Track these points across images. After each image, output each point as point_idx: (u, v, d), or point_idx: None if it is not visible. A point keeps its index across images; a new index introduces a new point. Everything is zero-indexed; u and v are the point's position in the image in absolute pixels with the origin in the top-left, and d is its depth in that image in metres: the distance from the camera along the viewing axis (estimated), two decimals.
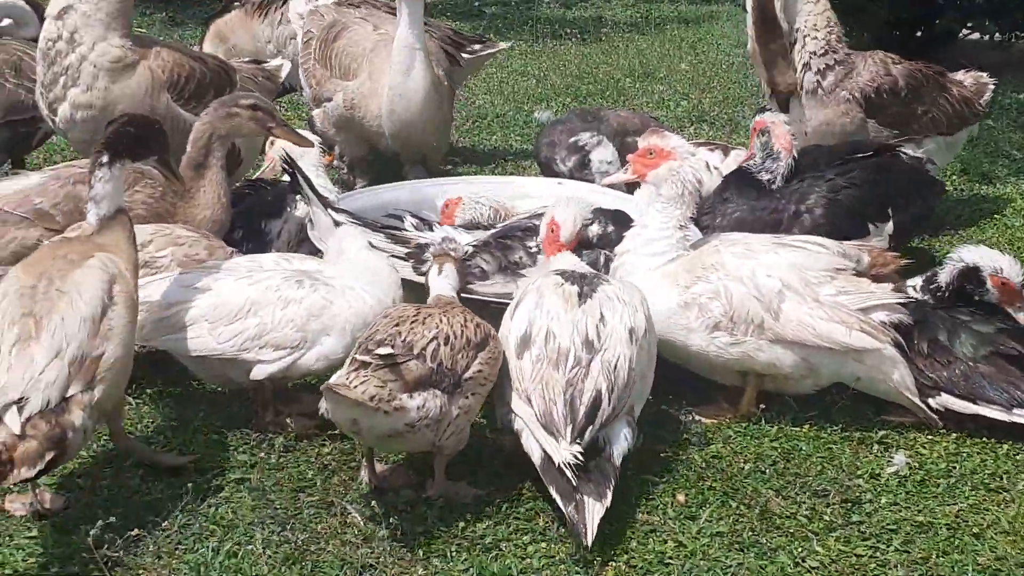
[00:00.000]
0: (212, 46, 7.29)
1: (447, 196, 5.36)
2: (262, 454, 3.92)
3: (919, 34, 9.02)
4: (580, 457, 3.41)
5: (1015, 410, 3.97)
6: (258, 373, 3.92)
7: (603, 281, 3.86)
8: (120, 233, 3.73)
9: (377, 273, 4.15)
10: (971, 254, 4.38)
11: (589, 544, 3.35)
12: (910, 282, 4.43)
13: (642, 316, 3.75)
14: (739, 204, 4.90)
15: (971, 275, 4.34)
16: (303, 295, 3.95)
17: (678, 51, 9.41)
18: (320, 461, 3.89)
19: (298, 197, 4.76)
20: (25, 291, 3.49)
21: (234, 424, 4.09)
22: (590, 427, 3.49)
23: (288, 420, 4.07)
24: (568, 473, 3.40)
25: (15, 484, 3.41)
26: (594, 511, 3.38)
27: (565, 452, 3.43)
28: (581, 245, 4.52)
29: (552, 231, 4.18)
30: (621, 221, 4.81)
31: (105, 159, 3.69)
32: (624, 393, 3.59)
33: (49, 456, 3.28)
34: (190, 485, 3.71)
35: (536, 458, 3.54)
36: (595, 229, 4.68)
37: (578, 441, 3.45)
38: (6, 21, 6.12)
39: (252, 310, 3.92)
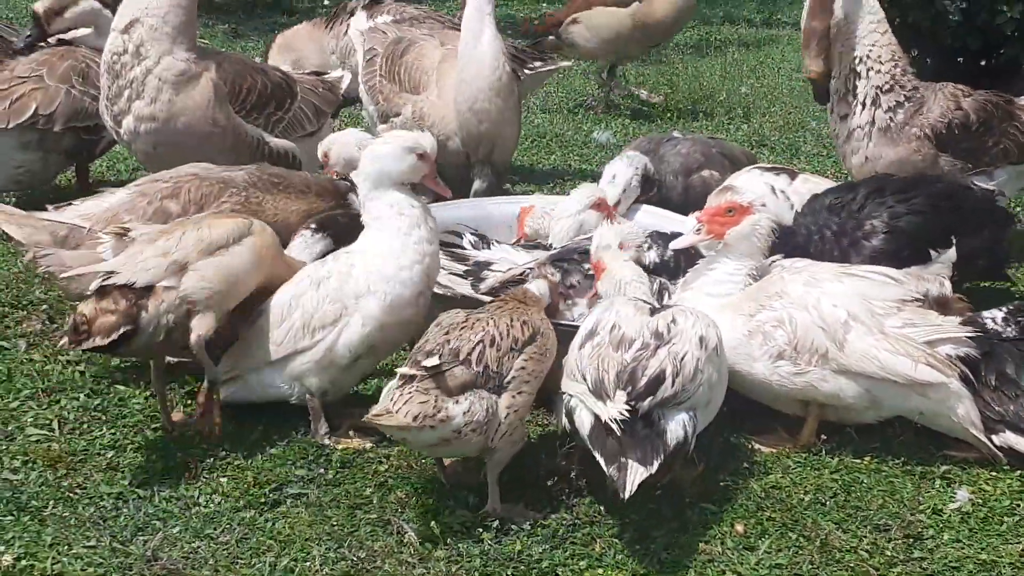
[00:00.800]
0: (279, 58, 7.34)
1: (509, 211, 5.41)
2: (320, 469, 3.93)
3: (984, 63, 8.91)
4: (625, 414, 3.44)
5: None
6: (314, 357, 4.02)
7: (677, 306, 3.90)
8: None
9: (392, 224, 4.07)
10: None
11: (626, 497, 3.37)
12: (987, 314, 4.33)
13: (714, 333, 3.76)
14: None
15: None
16: (329, 269, 4.06)
17: (738, 74, 9.38)
18: (377, 478, 3.89)
19: None
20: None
21: (292, 439, 4.10)
22: (649, 397, 3.51)
23: (351, 434, 4.10)
24: (614, 427, 3.43)
25: (90, 351, 3.87)
26: (636, 472, 3.40)
27: (613, 409, 3.47)
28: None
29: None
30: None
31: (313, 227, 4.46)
32: (690, 386, 3.59)
33: (123, 330, 3.78)
34: (249, 499, 3.73)
35: (586, 429, 3.56)
36: (652, 255, 4.63)
37: (633, 405, 3.48)
38: (84, 31, 6.17)
39: (292, 304, 4.04)
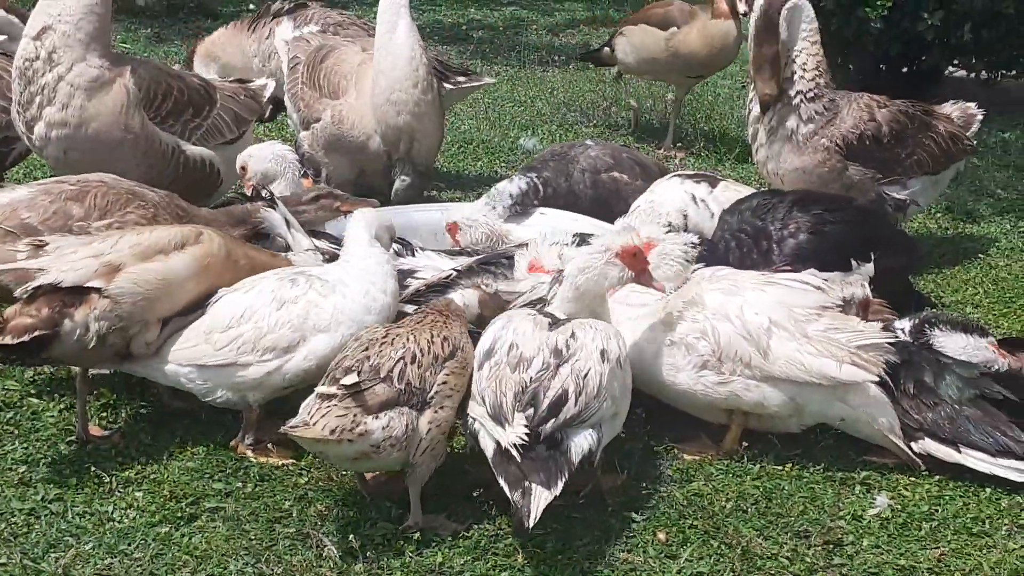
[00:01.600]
0: (202, 66, 7.24)
1: (433, 221, 5.41)
2: (238, 483, 3.87)
3: (906, 70, 9.04)
4: (524, 439, 3.41)
5: (999, 458, 3.93)
6: (255, 373, 3.92)
7: (575, 319, 3.80)
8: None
9: (373, 270, 4.11)
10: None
11: (530, 526, 3.34)
12: (896, 324, 4.40)
13: (616, 345, 3.71)
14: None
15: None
16: (298, 294, 3.97)
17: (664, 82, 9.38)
18: (297, 491, 3.84)
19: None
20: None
21: (210, 451, 4.04)
22: (552, 419, 3.48)
23: (270, 447, 4.04)
24: (514, 453, 3.40)
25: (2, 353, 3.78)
26: (540, 496, 3.37)
27: (511, 434, 3.44)
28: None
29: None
30: None
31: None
32: (593, 403, 3.55)
33: (36, 333, 3.72)
34: (165, 513, 3.66)
35: (489, 452, 3.54)
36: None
37: (537, 430, 3.44)
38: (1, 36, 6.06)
39: (246, 314, 3.94)
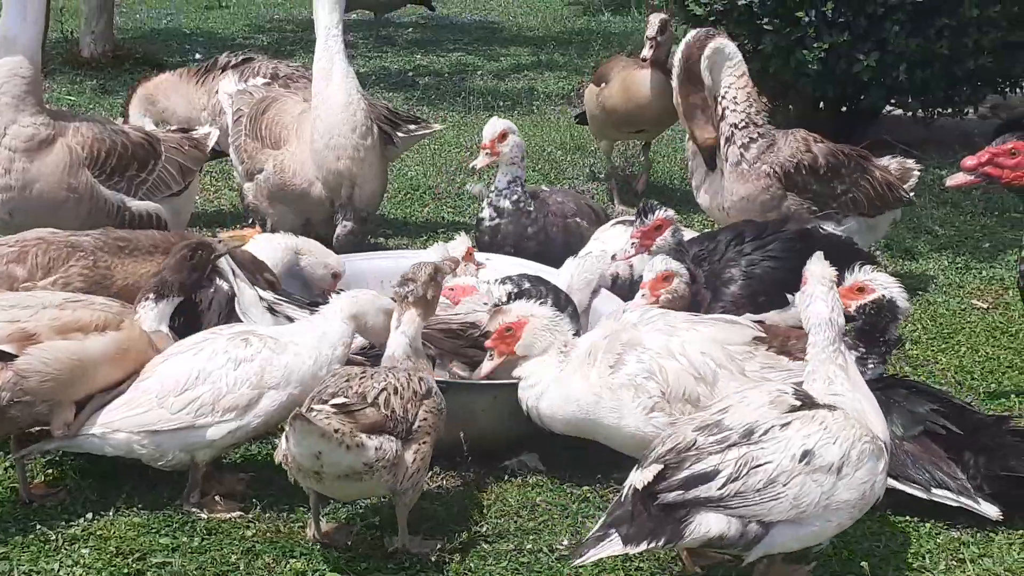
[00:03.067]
0: (139, 109, 7.20)
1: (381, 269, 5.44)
2: (184, 537, 3.87)
3: (844, 109, 9.21)
4: (641, 487, 3.37)
5: (934, 490, 4.01)
6: (215, 434, 3.90)
7: (828, 407, 3.57)
8: (159, 341, 4.10)
9: (331, 339, 4.14)
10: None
11: (575, 563, 3.45)
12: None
13: (836, 452, 3.45)
14: None
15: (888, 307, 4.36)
16: (253, 353, 3.98)
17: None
18: (244, 544, 3.85)
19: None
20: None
21: (156, 505, 4.04)
22: (679, 491, 3.38)
23: (217, 500, 4.04)
24: (625, 493, 3.41)
25: None
26: (609, 545, 3.35)
27: (636, 476, 3.42)
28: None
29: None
30: (542, 281, 4.90)
31: (151, 297, 4.17)
32: (751, 496, 3.38)
33: None
34: (112, 570, 3.65)
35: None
36: (507, 288, 4.74)
37: (657, 490, 3.38)
38: None
39: (199, 376, 3.92)
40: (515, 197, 5.78)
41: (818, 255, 3.83)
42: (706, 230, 5.75)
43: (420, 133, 6.99)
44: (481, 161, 5.91)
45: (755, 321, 4.38)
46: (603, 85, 7.39)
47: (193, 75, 7.29)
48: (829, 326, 3.64)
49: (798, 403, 3.57)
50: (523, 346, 4.18)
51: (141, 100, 7.26)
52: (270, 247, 5.04)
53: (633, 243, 4.97)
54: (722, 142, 5.73)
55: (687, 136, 5.94)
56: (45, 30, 5.18)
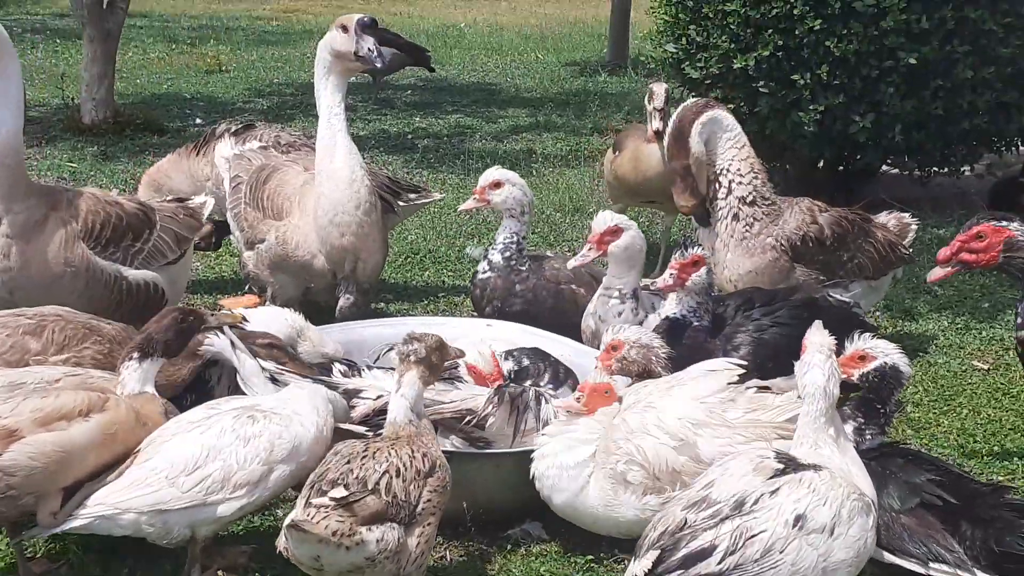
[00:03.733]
0: (148, 195, 7.25)
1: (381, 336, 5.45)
2: None
3: (841, 169, 9.27)
4: (645, 572, 3.38)
5: (931, 564, 3.99)
6: (225, 511, 3.91)
7: (813, 467, 3.61)
8: (145, 403, 4.08)
9: (313, 399, 4.22)
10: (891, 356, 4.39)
11: None
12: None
13: (827, 513, 3.49)
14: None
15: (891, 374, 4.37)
16: (260, 429, 4.00)
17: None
18: None
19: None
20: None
21: None
22: (679, 571, 3.40)
23: (220, 573, 4.03)
24: None
25: None
26: None
27: (635, 568, 3.42)
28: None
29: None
30: (542, 356, 5.00)
31: (135, 356, 4.12)
32: (750, 567, 3.41)
33: None
34: None
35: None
36: (508, 365, 4.85)
37: (659, 574, 3.40)
38: None
39: (210, 455, 3.92)
40: (508, 253, 5.82)
41: (817, 324, 3.85)
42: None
43: (421, 202, 7.04)
44: (467, 204, 5.99)
45: (760, 387, 4.37)
46: (616, 153, 7.39)
47: (192, 150, 7.25)
48: (823, 396, 3.66)
49: (781, 466, 3.58)
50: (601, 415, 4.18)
51: (146, 188, 7.26)
52: (276, 319, 5.05)
53: (672, 274, 4.98)
54: (727, 216, 5.71)
55: None
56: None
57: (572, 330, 5.51)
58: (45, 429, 3.82)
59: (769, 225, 5.69)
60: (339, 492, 3.55)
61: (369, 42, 5.77)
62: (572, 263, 5.48)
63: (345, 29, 5.82)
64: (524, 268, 5.82)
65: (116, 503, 3.85)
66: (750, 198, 5.69)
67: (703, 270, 5.00)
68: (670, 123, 5.87)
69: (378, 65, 5.84)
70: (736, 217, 5.69)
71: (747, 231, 5.69)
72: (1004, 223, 4.64)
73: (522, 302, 5.77)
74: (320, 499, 3.56)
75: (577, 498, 4.11)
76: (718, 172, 5.71)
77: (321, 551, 3.53)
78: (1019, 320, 4.69)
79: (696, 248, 5.07)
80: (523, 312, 5.72)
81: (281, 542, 3.60)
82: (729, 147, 5.70)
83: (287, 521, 3.52)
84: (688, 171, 5.69)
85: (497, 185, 5.87)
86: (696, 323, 5.02)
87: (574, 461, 4.12)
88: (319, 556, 3.55)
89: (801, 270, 5.71)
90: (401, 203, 6.69)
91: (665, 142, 5.91)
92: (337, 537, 3.49)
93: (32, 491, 3.80)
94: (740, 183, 5.68)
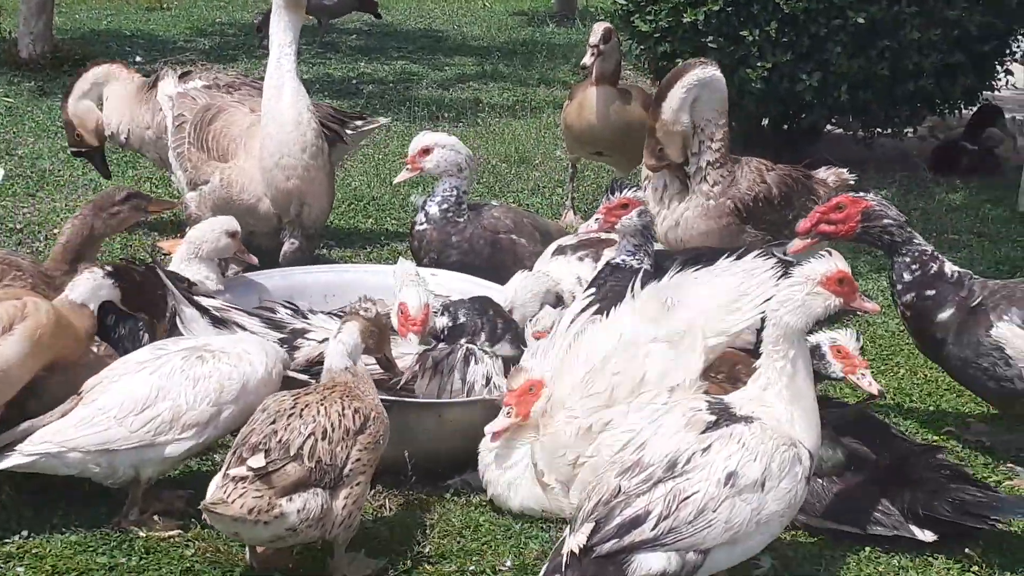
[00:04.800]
0: (87, 86, 6.86)
1: (323, 282, 5.44)
2: (122, 556, 3.81)
3: (786, 127, 9.29)
4: (576, 551, 3.35)
5: (869, 528, 4.04)
6: (173, 451, 3.88)
7: (745, 419, 3.57)
8: (72, 312, 4.10)
9: (263, 341, 4.27)
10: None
11: None
12: None
13: (758, 468, 3.46)
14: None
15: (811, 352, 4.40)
16: (210, 369, 3.97)
17: (553, 138, 9.52)
18: (183, 563, 3.80)
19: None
20: None
21: (94, 523, 3.97)
22: (614, 540, 3.37)
23: (156, 518, 3.98)
24: (563, 559, 3.36)
25: None
26: None
27: (571, 542, 3.39)
28: (432, 337, 4.59)
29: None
30: (480, 310, 4.88)
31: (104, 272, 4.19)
32: (684, 528, 3.38)
33: None
34: None
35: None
36: (443, 321, 4.76)
37: (592, 547, 3.36)
38: None
39: (159, 395, 3.89)
40: (445, 206, 5.77)
41: (826, 254, 3.77)
42: None
43: (367, 128, 6.98)
44: (401, 176, 5.94)
45: None
46: (568, 102, 7.34)
47: (145, 91, 6.96)
48: (776, 326, 3.62)
49: (713, 418, 3.57)
50: (537, 412, 4.12)
51: (93, 80, 6.93)
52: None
53: (597, 219, 4.84)
54: (696, 177, 5.65)
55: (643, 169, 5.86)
56: None
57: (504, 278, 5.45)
58: None
59: (726, 188, 5.67)
60: (258, 461, 3.48)
61: None
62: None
63: None
64: (462, 219, 5.77)
65: (62, 441, 3.80)
66: (717, 163, 5.65)
67: (633, 213, 4.79)
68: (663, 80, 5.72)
69: None
70: (703, 179, 5.65)
71: (709, 193, 5.66)
72: (861, 194, 4.70)
73: (458, 253, 5.72)
74: (238, 469, 3.49)
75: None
76: (697, 128, 5.61)
77: (239, 528, 3.49)
78: (898, 287, 4.73)
79: (628, 191, 4.91)
80: (459, 263, 5.68)
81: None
82: (712, 108, 5.60)
83: (204, 502, 3.48)
84: (652, 132, 5.58)
85: (426, 151, 5.78)
86: (637, 266, 4.97)
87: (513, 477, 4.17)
88: (237, 533, 3.55)
89: (750, 230, 5.71)
90: (349, 131, 6.63)
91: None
92: (254, 515, 3.43)
93: None
94: (710, 147, 5.63)
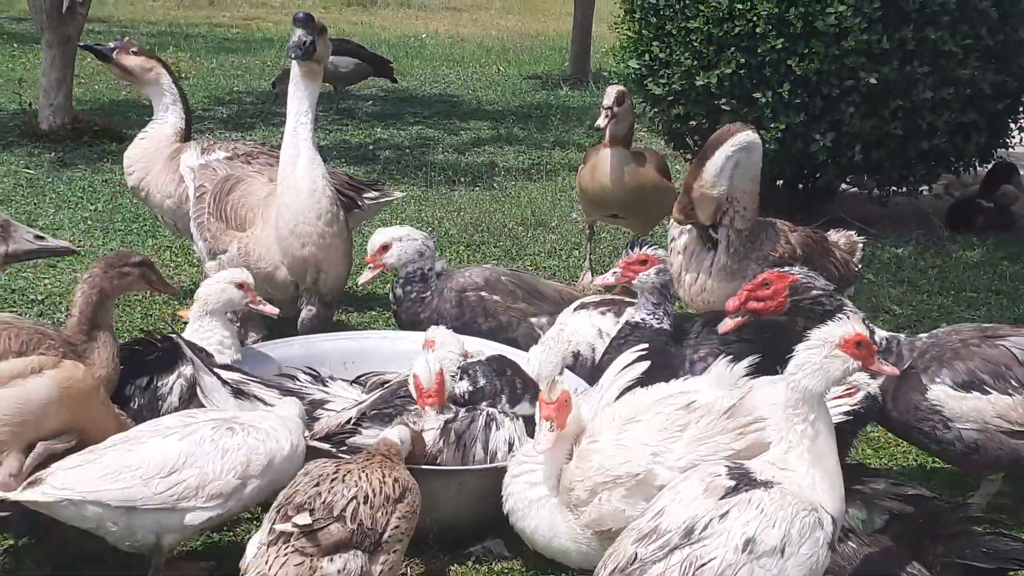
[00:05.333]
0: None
1: (342, 349, 5.48)
2: None
3: (800, 187, 9.33)
4: None
5: None
6: (194, 519, 3.88)
7: (765, 484, 3.55)
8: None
9: (286, 416, 4.28)
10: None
11: None
12: None
13: (776, 534, 3.43)
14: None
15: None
16: (240, 442, 3.99)
17: (569, 200, 9.59)
18: None
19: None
20: None
21: None
22: None
23: None
24: None
25: None
26: None
27: None
28: (452, 402, 4.59)
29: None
30: (499, 371, 4.84)
31: None
32: None
33: None
34: None
35: None
36: (464, 386, 4.73)
37: None
38: None
39: (186, 461, 3.90)
40: (408, 287, 5.81)
41: (846, 316, 3.80)
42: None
43: (383, 201, 7.03)
44: (365, 276, 5.99)
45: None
46: (582, 165, 7.36)
47: (171, 159, 6.91)
48: (794, 389, 3.59)
49: (732, 483, 3.54)
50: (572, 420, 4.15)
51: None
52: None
53: (615, 272, 4.89)
54: (723, 242, 5.59)
55: (672, 225, 5.81)
56: None
57: (483, 335, 5.52)
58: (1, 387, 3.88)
59: (750, 251, 5.60)
60: (303, 519, 3.53)
61: (296, 34, 5.74)
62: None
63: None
64: (428, 294, 5.79)
65: (84, 491, 3.79)
66: (745, 232, 5.59)
67: (652, 270, 4.89)
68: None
69: (291, 55, 5.77)
70: (728, 247, 5.59)
71: (733, 257, 5.61)
72: (787, 269, 4.70)
73: (428, 322, 5.62)
74: (283, 525, 3.54)
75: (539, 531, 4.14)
76: (730, 198, 5.52)
77: None
78: None
79: (647, 248, 4.96)
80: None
81: (246, 558, 3.59)
82: (747, 178, 5.51)
83: (245, 562, 3.49)
84: (688, 191, 5.45)
85: (385, 248, 5.81)
86: (657, 325, 4.98)
87: (537, 496, 4.16)
88: None
89: None
90: (367, 199, 6.69)
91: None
92: (298, 570, 3.48)
93: None
94: (743, 216, 5.52)
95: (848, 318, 3.82)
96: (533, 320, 5.74)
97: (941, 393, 4.54)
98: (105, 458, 3.89)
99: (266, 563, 3.49)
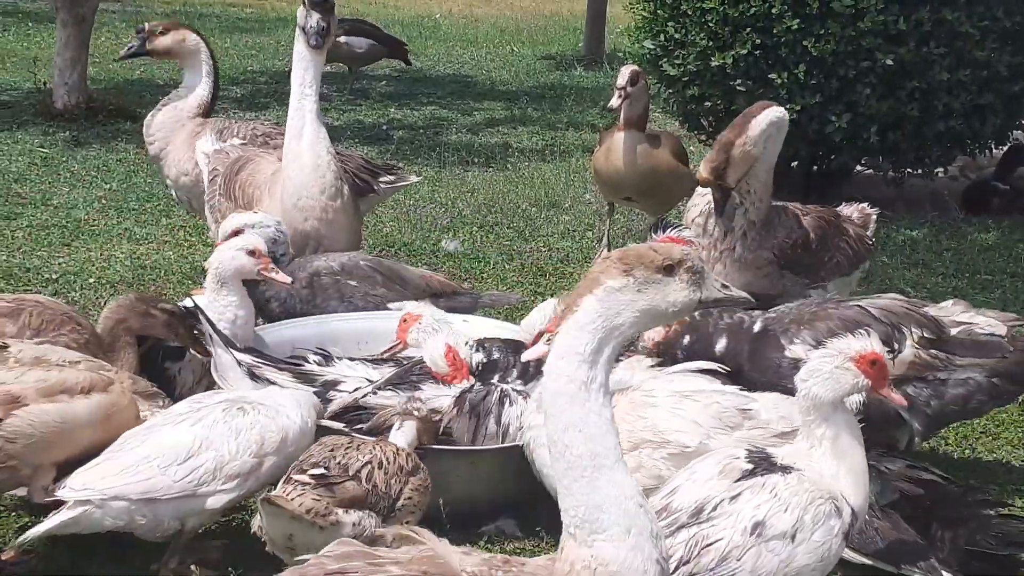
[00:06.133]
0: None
1: (355, 329, 5.46)
2: None
3: (815, 168, 9.30)
4: None
5: (903, 567, 4.01)
6: (215, 503, 3.89)
7: (783, 469, 3.54)
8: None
9: (295, 392, 4.34)
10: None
11: None
12: None
13: (788, 519, 3.43)
14: None
15: None
16: (252, 421, 4.00)
17: (582, 181, 9.57)
18: None
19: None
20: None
21: (131, 573, 3.99)
22: None
23: (193, 568, 4.00)
24: None
25: None
26: None
27: None
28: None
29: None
30: (514, 349, 4.85)
31: None
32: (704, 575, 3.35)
33: None
34: None
35: None
36: (478, 357, 4.74)
37: None
38: None
39: (202, 445, 3.90)
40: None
41: (867, 335, 3.69)
42: None
43: (398, 185, 7.03)
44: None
45: None
46: (597, 147, 7.33)
47: (193, 137, 6.91)
48: (808, 397, 3.57)
49: (750, 467, 3.54)
50: None
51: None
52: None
53: None
54: (737, 232, 5.55)
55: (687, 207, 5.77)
56: None
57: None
58: (48, 400, 3.87)
59: (763, 239, 5.56)
60: (319, 471, 3.59)
61: (314, 18, 5.72)
62: None
63: (304, 4, 5.82)
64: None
65: (105, 488, 3.79)
66: (760, 222, 5.55)
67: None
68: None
69: (312, 43, 5.75)
70: (743, 236, 5.54)
71: (748, 247, 5.57)
72: None
73: (277, 303, 5.55)
74: (300, 475, 3.59)
75: None
76: (745, 186, 5.51)
77: (294, 529, 3.53)
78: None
79: (672, 230, 4.85)
80: (282, 311, 5.55)
81: (256, 521, 3.62)
82: (765, 169, 5.50)
83: (262, 495, 3.51)
84: (728, 148, 5.33)
85: (236, 233, 5.40)
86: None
87: None
88: (292, 535, 3.56)
89: (788, 276, 5.67)
90: (382, 182, 6.68)
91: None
92: (311, 516, 3.50)
93: (29, 461, 3.82)
94: (757, 206, 5.50)
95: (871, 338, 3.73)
96: (392, 306, 5.67)
97: (800, 351, 4.50)
98: (121, 455, 3.90)
99: (285, 493, 3.54)
